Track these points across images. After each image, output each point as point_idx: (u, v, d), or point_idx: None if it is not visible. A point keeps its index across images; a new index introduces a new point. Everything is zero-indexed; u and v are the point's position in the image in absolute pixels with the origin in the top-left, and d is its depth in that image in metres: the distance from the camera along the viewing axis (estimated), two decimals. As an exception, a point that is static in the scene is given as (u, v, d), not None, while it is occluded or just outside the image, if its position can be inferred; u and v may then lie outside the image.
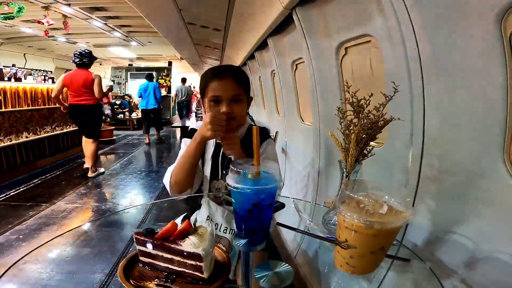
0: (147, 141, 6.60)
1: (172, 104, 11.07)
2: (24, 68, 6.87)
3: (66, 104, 3.87)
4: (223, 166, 1.11)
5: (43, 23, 5.26)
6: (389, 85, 1.04)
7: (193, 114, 8.46)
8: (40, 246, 0.83)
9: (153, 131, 6.94)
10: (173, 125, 7.44)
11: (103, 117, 6.38)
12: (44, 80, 4.93)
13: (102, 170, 4.21)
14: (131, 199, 3.42)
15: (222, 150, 1.07)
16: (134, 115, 9.48)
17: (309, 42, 1.59)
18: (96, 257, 2.08)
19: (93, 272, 1.90)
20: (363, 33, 1.18)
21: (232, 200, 0.69)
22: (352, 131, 0.70)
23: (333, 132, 0.79)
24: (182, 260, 0.60)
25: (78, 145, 5.49)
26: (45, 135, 4.57)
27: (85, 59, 3.70)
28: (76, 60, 3.69)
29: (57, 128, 4.92)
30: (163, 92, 11.04)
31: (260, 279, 0.62)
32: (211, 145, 1.12)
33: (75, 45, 8.62)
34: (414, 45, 0.83)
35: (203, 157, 1.12)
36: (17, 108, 3.97)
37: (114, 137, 7.07)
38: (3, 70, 4.04)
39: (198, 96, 6.24)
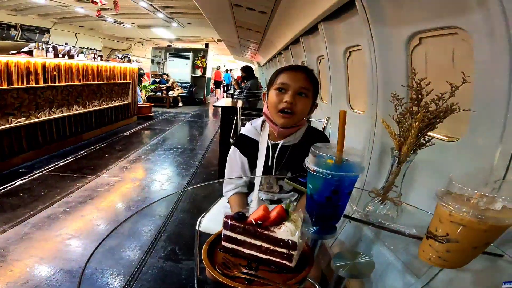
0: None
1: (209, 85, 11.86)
2: (75, 46, 7.35)
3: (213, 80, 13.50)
4: (278, 168, 1.08)
5: (97, 3, 5.59)
6: (478, 78, 0.92)
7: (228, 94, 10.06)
8: (107, 236, 0.82)
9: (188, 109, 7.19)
10: (215, 104, 8.67)
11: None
12: (94, 57, 5.17)
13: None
14: (168, 175, 3.52)
15: (275, 154, 1.06)
16: (171, 93, 9.59)
17: (373, 30, 1.48)
18: (135, 234, 2.17)
19: (132, 249, 1.99)
20: (449, 25, 1.07)
21: (309, 185, 0.68)
22: (413, 118, 0.70)
23: (384, 119, 0.78)
24: (272, 247, 0.58)
25: (121, 119, 5.83)
26: (93, 108, 4.85)
27: (219, 69, 14.78)
28: (219, 69, 14.59)
29: (103, 103, 5.21)
30: (198, 72, 11.15)
31: (339, 268, 0.62)
32: (262, 151, 1.09)
33: (121, 25, 9.00)
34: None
35: (253, 162, 1.11)
36: (70, 83, 4.22)
37: (152, 114, 7.40)
38: (58, 48, 4.28)
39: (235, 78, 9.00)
